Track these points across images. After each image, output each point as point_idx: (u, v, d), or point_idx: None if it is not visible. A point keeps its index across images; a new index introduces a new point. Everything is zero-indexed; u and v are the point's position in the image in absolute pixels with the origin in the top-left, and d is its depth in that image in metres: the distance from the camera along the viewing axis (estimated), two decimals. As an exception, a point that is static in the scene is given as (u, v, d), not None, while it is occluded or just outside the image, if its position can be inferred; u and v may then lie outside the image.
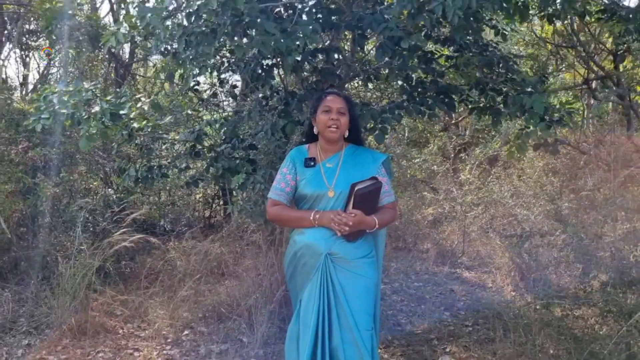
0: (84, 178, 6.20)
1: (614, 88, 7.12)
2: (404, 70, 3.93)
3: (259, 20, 3.22)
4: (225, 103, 5.76)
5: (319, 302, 2.69)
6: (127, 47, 9.82)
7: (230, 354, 3.89)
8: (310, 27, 3.27)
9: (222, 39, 3.49)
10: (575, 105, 8.66)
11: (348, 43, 4.82)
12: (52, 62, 10.67)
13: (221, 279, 5.10)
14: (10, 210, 5.10)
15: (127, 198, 5.67)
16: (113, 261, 5.04)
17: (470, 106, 4.45)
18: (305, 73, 4.40)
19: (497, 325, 4.19)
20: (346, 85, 4.93)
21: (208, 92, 5.37)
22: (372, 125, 3.96)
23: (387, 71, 4.03)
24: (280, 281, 4.26)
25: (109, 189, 6.35)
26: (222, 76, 4.67)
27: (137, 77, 10.60)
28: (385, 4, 3.94)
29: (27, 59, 11.61)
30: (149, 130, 4.18)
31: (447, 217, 7.45)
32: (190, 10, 3.33)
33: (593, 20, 5.12)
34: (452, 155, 9.78)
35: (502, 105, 4.12)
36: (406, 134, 10.11)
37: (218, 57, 4.63)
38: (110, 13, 10.15)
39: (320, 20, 3.70)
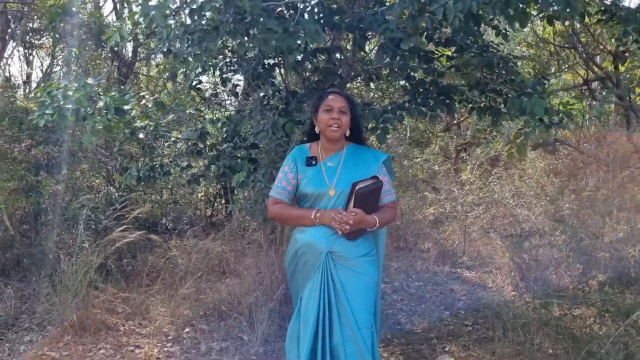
0: (86, 176, 6.23)
1: (614, 89, 7.12)
2: (404, 70, 3.95)
3: (261, 19, 3.24)
4: (227, 102, 5.78)
5: (320, 300, 2.70)
6: (130, 46, 9.85)
7: (231, 352, 3.92)
8: (313, 27, 3.28)
9: (224, 37, 3.50)
10: (577, 106, 8.69)
11: (350, 43, 4.84)
12: (55, 61, 10.71)
13: (222, 277, 5.12)
14: (13, 208, 5.13)
15: (129, 195, 5.68)
16: (115, 259, 5.07)
17: (470, 106, 4.46)
18: (307, 73, 4.42)
19: (496, 325, 4.21)
20: (347, 85, 4.95)
21: (210, 91, 5.38)
22: (373, 125, 3.98)
23: (387, 71, 4.04)
24: (281, 279, 4.28)
25: (111, 187, 6.37)
26: (224, 75, 4.69)
27: (140, 76, 10.62)
28: (387, 4, 3.95)
29: (31, 58, 11.65)
30: (151, 128, 4.21)
31: (448, 217, 7.45)
32: (194, 7, 3.35)
33: (594, 21, 5.13)
34: (454, 155, 9.79)
35: (502, 106, 4.14)
36: (408, 134, 10.12)
37: (220, 57, 4.66)
38: (114, 12, 10.18)
39: (322, 21, 3.72)
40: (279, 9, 3.45)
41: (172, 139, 4.63)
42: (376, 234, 2.90)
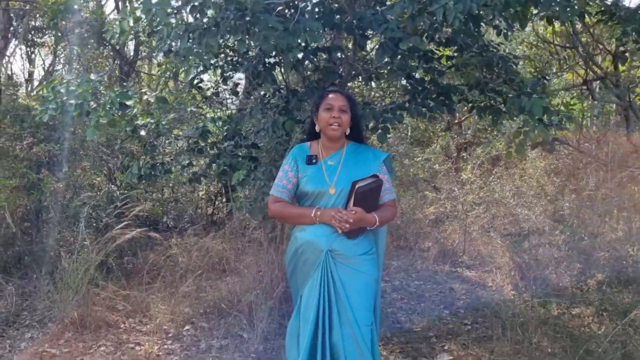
0: (87, 174, 6.25)
1: (613, 89, 7.12)
2: (404, 69, 3.96)
3: (262, 17, 3.25)
4: (229, 101, 5.79)
5: (319, 298, 2.71)
6: (131, 45, 9.88)
7: (231, 349, 3.93)
8: (313, 26, 3.29)
9: (225, 35, 3.51)
10: (577, 106, 8.69)
11: (351, 42, 4.85)
12: (57, 59, 10.73)
13: (222, 275, 5.13)
14: (14, 205, 5.15)
15: (130, 193, 5.70)
16: (116, 257, 5.09)
17: (470, 105, 4.47)
18: (307, 72, 4.43)
19: (495, 324, 4.22)
20: (348, 84, 4.96)
21: (211, 90, 5.39)
22: (373, 124, 3.99)
23: (387, 70, 4.05)
24: (281, 278, 4.30)
25: (113, 185, 6.40)
26: (225, 74, 4.70)
27: (142, 74, 10.65)
28: (388, 4, 3.96)
29: (33, 56, 11.68)
30: (152, 126, 4.22)
31: (448, 217, 7.47)
32: (196, 3, 3.36)
33: (593, 21, 5.14)
34: (454, 154, 9.80)
35: (502, 105, 4.15)
36: (409, 133, 10.13)
37: (222, 55, 4.67)
38: (116, 10, 10.20)
39: (322, 20, 3.72)
40: (280, 7, 3.45)
41: (173, 135, 4.64)
42: (376, 232, 2.91)
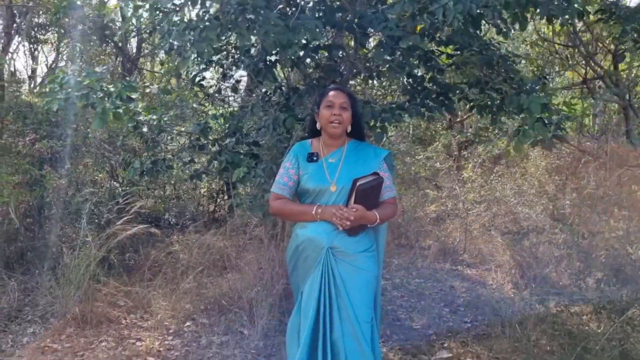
0: (89, 170, 6.27)
1: (612, 88, 7.12)
2: (403, 67, 3.97)
3: (262, 12, 3.26)
4: (231, 99, 5.81)
5: (320, 295, 2.72)
6: (134, 42, 9.90)
7: (231, 346, 3.95)
8: (313, 23, 3.30)
9: (225, 31, 3.52)
10: (578, 105, 8.68)
11: (352, 40, 4.86)
12: (59, 56, 10.75)
13: (223, 272, 5.15)
14: (17, 201, 5.17)
15: (132, 189, 5.73)
16: (117, 253, 5.11)
17: (471, 104, 4.48)
18: (309, 69, 4.45)
19: (495, 322, 4.24)
20: (350, 82, 4.97)
21: (213, 87, 5.42)
22: (373, 123, 4.00)
23: (386, 68, 4.06)
24: (281, 275, 4.31)
25: (115, 182, 6.42)
26: (226, 72, 4.72)
27: (144, 71, 10.67)
28: (388, 3, 3.97)
29: (36, 53, 11.70)
30: (154, 122, 4.23)
31: (449, 215, 7.48)
32: None
33: (592, 20, 5.14)
34: (456, 153, 9.80)
35: (502, 104, 4.16)
36: (411, 131, 10.14)
37: (224, 53, 4.69)
38: (121, 17, 10.20)
39: (323, 19, 3.74)
40: (281, 6, 3.47)
41: (175, 131, 4.65)
42: (377, 229, 2.91)
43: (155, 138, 4.63)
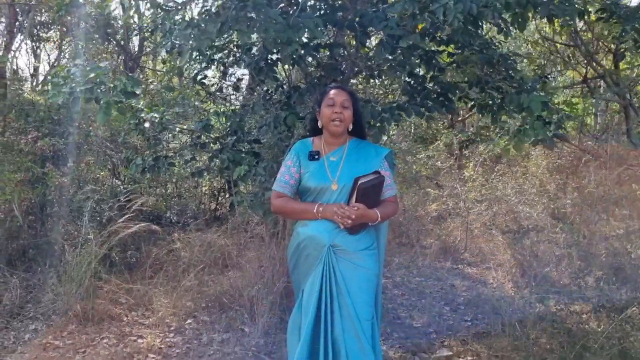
0: (91, 168, 6.29)
1: (613, 87, 7.12)
2: (404, 66, 3.97)
3: (263, 9, 3.26)
4: (233, 97, 5.83)
5: (321, 293, 2.73)
6: (136, 40, 9.92)
7: (232, 343, 3.97)
8: (313, 22, 3.31)
9: (226, 28, 3.52)
10: (578, 104, 8.68)
11: (353, 39, 4.87)
12: (62, 54, 10.77)
13: (224, 269, 5.17)
14: (19, 199, 5.20)
15: (134, 187, 5.74)
16: (119, 251, 5.14)
17: (471, 103, 4.49)
18: (310, 68, 4.46)
19: (495, 320, 4.25)
20: (352, 81, 4.98)
21: (215, 86, 5.43)
22: (372, 123, 4.01)
23: (387, 67, 4.06)
24: (282, 273, 4.33)
25: (117, 180, 6.44)
26: (227, 70, 4.73)
27: (146, 69, 10.69)
28: (390, 1, 3.98)
29: (38, 51, 11.72)
30: (157, 119, 4.25)
31: (450, 214, 7.49)
32: None
33: (593, 19, 5.15)
34: (457, 152, 9.80)
35: (502, 103, 4.16)
36: (412, 130, 10.14)
37: (226, 51, 4.70)
38: (121, 5, 10.23)
39: (324, 17, 3.74)
40: (282, 5, 3.48)
41: (177, 129, 4.66)
42: (378, 227, 2.92)
43: (157, 136, 4.64)
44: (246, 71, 5.05)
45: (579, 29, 7.24)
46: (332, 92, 2.88)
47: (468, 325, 4.50)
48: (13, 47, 10.20)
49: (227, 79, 4.86)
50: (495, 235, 6.80)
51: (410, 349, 4.01)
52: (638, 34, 3.91)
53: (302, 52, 3.99)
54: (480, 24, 3.72)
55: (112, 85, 3.61)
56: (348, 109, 2.84)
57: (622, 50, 6.47)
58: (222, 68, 4.74)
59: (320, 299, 2.74)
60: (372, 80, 5.46)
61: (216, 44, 4.37)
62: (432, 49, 4.39)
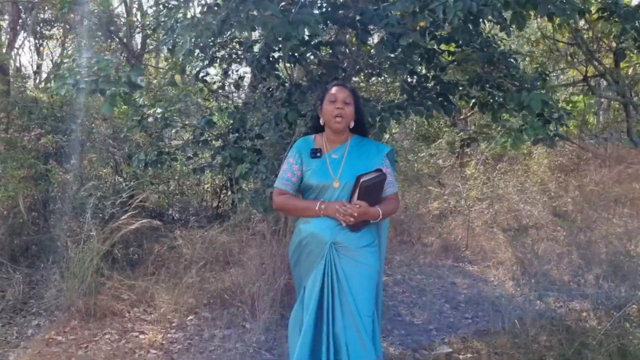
0: (94, 165, 6.31)
1: (613, 85, 7.12)
2: (404, 64, 3.98)
3: (263, 3, 3.27)
4: (235, 95, 5.84)
5: (323, 290, 2.75)
6: (138, 38, 9.94)
7: (233, 339, 3.99)
8: (312, 18, 3.31)
9: (226, 22, 3.53)
10: (579, 103, 8.68)
11: (355, 37, 4.88)
12: (65, 52, 10.79)
13: (226, 266, 5.19)
14: (22, 196, 5.22)
15: (137, 183, 5.76)
16: (121, 247, 5.16)
17: (472, 102, 4.50)
18: (313, 65, 4.47)
19: (495, 318, 4.26)
20: (353, 79, 4.99)
21: (217, 83, 5.44)
22: (372, 122, 4.02)
23: (387, 65, 4.08)
24: (283, 270, 4.35)
25: (119, 177, 6.45)
26: (230, 68, 4.75)
27: (149, 67, 10.71)
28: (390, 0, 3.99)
29: (41, 48, 11.74)
30: (159, 115, 4.26)
31: (452, 212, 7.49)
32: None
33: (593, 18, 5.15)
34: (458, 150, 9.80)
35: (502, 100, 4.17)
36: (414, 129, 10.14)
37: (228, 49, 4.71)
38: (123, 3, 10.25)
39: (325, 15, 3.75)
40: (283, 3, 3.49)
41: (179, 125, 4.67)
42: (379, 225, 2.93)
43: (160, 135, 4.66)
44: (248, 69, 5.06)
45: (580, 28, 7.24)
46: (334, 89, 2.89)
47: (468, 322, 4.52)
48: (16, 45, 10.24)
49: (229, 76, 4.87)
50: (497, 233, 6.81)
51: (411, 346, 4.03)
52: (638, 33, 3.92)
53: (304, 49, 4.00)
54: (480, 22, 3.72)
55: (117, 77, 3.61)
56: (350, 106, 2.86)
57: (621, 49, 6.47)
58: (224, 66, 4.76)
59: (321, 295, 2.75)
60: (373, 78, 5.47)
61: (218, 40, 4.37)
62: (433, 47, 4.40)
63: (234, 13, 3.37)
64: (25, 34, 10.53)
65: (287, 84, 4.40)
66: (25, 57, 20.41)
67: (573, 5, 3.11)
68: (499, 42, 4.43)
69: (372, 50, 4.84)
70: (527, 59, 8.49)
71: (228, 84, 5.24)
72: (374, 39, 4.98)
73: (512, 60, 4.19)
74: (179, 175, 7.19)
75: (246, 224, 5.66)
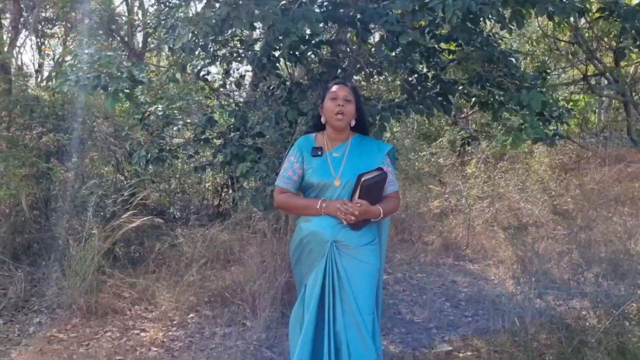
0: (95, 164, 6.33)
1: (613, 84, 7.12)
2: (404, 63, 3.99)
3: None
4: (236, 93, 5.85)
5: (324, 288, 2.76)
6: (140, 37, 9.95)
7: (234, 337, 4.00)
8: (312, 14, 3.32)
9: (227, 19, 3.53)
10: (580, 101, 8.68)
11: (356, 36, 4.88)
12: (66, 50, 10.80)
13: (226, 265, 5.20)
14: (24, 194, 5.24)
15: (137, 182, 5.78)
16: (122, 245, 5.18)
17: (474, 100, 4.50)
18: (312, 65, 4.48)
19: (495, 316, 4.27)
20: (355, 78, 4.99)
21: (218, 82, 5.45)
22: (372, 121, 4.03)
23: (387, 64, 4.08)
24: (284, 268, 4.36)
25: (120, 176, 6.47)
26: (231, 66, 4.76)
27: (150, 66, 10.72)
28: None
29: (43, 47, 11.76)
30: (160, 113, 4.26)
31: (452, 210, 7.50)
32: None
33: (594, 17, 5.15)
34: (459, 148, 9.80)
35: (502, 99, 4.17)
36: (415, 127, 10.15)
37: (229, 47, 4.72)
38: (125, 2, 10.27)
39: (326, 14, 3.76)
40: (284, 2, 3.49)
41: (181, 123, 4.68)
42: (379, 222, 2.93)
43: (161, 134, 4.66)
44: (249, 67, 5.07)
45: (580, 26, 7.23)
46: (335, 87, 2.90)
47: (468, 321, 4.53)
48: (18, 43, 10.25)
49: (230, 75, 4.88)
50: (497, 232, 6.82)
51: (411, 344, 4.04)
52: (637, 33, 3.92)
53: (304, 48, 4.01)
54: (479, 21, 3.72)
55: (119, 73, 3.61)
56: (351, 103, 2.86)
57: (621, 48, 6.46)
58: (225, 65, 4.76)
59: (322, 293, 2.76)
60: (373, 77, 5.48)
61: (219, 38, 4.38)
62: (433, 46, 4.41)
63: (234, 10, 3.38)
64: (26, 33, 10.55)
65: (287, 83, 4.40)
66: (27, 55, 20.43)
67: (573, 5, 3.11)
68: (499, 40, 4.43)
69: (372, 49, 4.85)
70: (528, 58, 8.48)
71: (229, 82, 5.25)
72: (375, 37, 4.99)
73: (512, 59, 4.19)
74: (180, 174, 7.21)
75: (247, 222, 5.67)
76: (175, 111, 4.53)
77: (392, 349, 3.96)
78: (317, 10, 3.75)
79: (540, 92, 3.53)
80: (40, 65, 11.81)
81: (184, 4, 4.08)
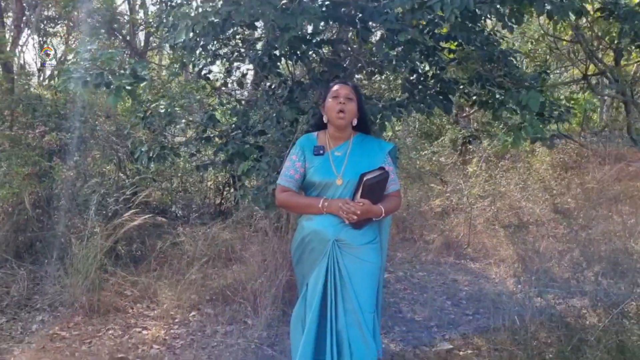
0: (97, 162, 6.35)
1: (613, 83, 7.12)
2: (404, 61, 3.99)
3: None
4: (237, 92, 5.86)
5: (326, 286, 2.77)
6: (142, 35, 9.97)
7: (235, 335, 4.02)
8: (312, 11, 3.32)
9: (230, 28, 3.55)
10: (580, 100, 8.68)
11: (356, 35, 4.89)
12: (68, 49, 10.82)
13: (228, 263, 5.22)
14: (27, 193, 5.26)
15: (139, 180, 5.79)
16: (124, 244, 5.19)
17: (474, 99, 4.51)
18: (313, 64, 4.49)
19: (495, 314, 4.28)
20: (356, 77, 5.00)
21: (220, 81, 5.46)
22: (373, 120, 4.04)
23: (387, 63, 4.09)
24: (285, 266, 4.37)
25: (122, 174, 6.49)
26: (232, 65, 4.77)
27: (152, 65, 10.73)
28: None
29: (45, 45, 11.78)
30: (162, 111, 4.27)
31: (454, 209, 7.51)
32: None
33: (593, 17, 5.16)
34: (461, 147, 9.81)
35: (502, 98, 4.18)
36: (417, 126, 10.15)
37: (230, 46, 4.73)
38: (127, 2, 10.29)
39: (326, 13, 3.77)
40: (284, 1, 3.50)
41: (183, 122, 4.69)
42: (381, 221, 2.93)
43: (163, 132, 4.67)
44: (251, 66, 5.08)
45: (580, 25, 7.24)
46: (337, 86, 2.91)
47: (469, 319, 4.54)
48: (20, 42, 10.27)
49: (231, 74, 4.89)
50: (498, 230, 6.83)
51: (412, 342, 4.05)
52: (636, 33, 3.92)
53: (305, 47, 4.02)
54: (479, 19, 3.73)
55: (121, 71, 3.62)
56: (352, 102, 2.87)
57: (620, 48, 6.46)
58: (226, 64, 4.78)
59: (324, 292, 2.77)
60: (375, 76, 5.49)
61: (220, 37, 4.39)
62: (433, 45, 4.42)
63: (234, 5, 3.38)
64: (29, 32, 10.58)
65: (288, 82, 4.41)
66: (29, 54, 20.45)
67: (572, 5, 3.12)
68: (500, 40, 4.44)
69: (373, 48, 4.86)
70: (529, 57, 8.49)
71: (231, 81, 5.26)
72: (376, 36, 5.00)
73: (512, 59, 4.20)
74: (182, 172, 7.23)
75: (248, 221, 5.69)
76: (178, 109, 4.53)
77: (393, 347, 3.98)
78: (319, 9, 3.75)
79: (539, 92, 3.54)
80: (43, 64, 11.82)
81: (185, 2, 4.08)
